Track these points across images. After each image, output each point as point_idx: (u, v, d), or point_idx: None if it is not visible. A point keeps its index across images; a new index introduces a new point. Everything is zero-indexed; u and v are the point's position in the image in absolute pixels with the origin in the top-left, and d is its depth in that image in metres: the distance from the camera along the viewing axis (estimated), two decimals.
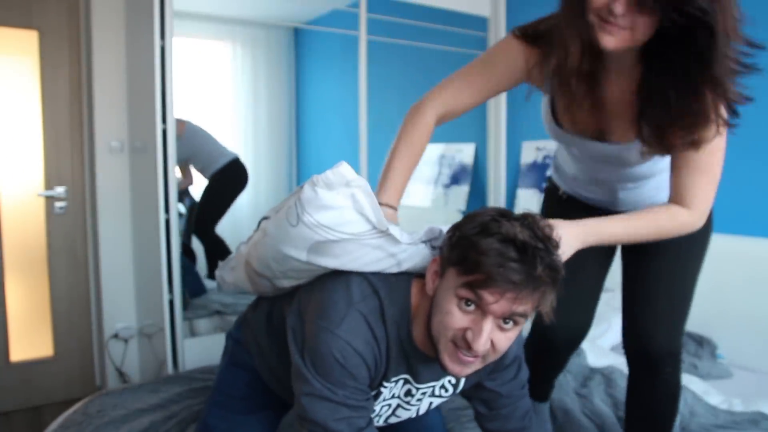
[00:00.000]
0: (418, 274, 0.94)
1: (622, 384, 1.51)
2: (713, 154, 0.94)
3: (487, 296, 0.77)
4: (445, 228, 0.93)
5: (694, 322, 1.86)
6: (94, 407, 1.38)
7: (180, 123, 2.51)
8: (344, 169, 0.87)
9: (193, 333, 2.46)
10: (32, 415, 2.34)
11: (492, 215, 0.81)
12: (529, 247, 0.77)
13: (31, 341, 2.42)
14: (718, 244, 1.85)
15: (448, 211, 2.84)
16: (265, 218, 1.05)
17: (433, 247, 0.94)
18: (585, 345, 1.71)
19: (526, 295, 0.77)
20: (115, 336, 2.42)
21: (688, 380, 1.54)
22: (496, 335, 0.81)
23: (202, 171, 2.94)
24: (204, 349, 2.16)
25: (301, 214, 0.87)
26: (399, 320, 0.89)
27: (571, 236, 0.92)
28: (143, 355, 2.44)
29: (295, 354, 0.89)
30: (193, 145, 2.80)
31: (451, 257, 0.82)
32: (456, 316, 0.80)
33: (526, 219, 0.81)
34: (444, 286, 0.83)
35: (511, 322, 0.80)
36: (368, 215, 0.87)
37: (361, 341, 0.85)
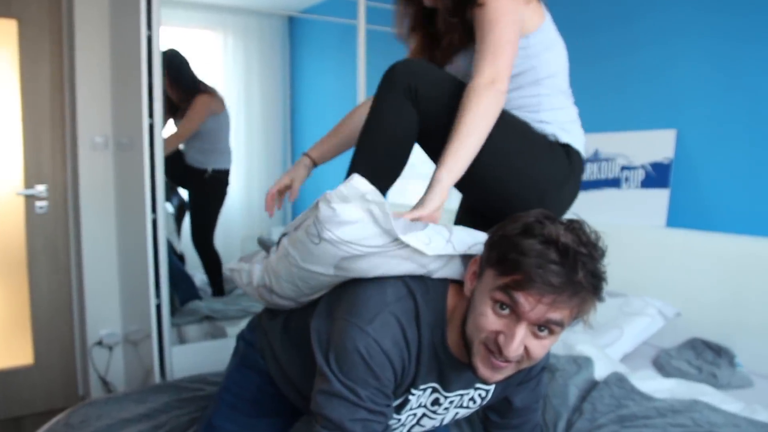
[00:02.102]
0: (453, 280, 0.97)
1: (629, 401, 1.51)
2: (489, 21, 1.10)
3: (523, 301, 0.79)
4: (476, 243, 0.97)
5: (710, 330, 1.88)
6: (77, 418, 1.39)
7: (220, 99, 2.77)
8: (357, 182, 0.90)
9: (181, 340, 2.47)
10: (12, 426, 2.36)
11: (537, 217, 0.83)
12: (571, 250, 0.79)
13: (10, 348, 2.43)
14: (734, 245, 1.86)
15: (452, 210, 2.85)
16: (284, 234, 1.07)
17: (464, 264, 0.97)
18: (593, 354, 1.72)
19: (564, 301, 0.79)
20: (99, 343, 2.43)
21: (701, 391, 1.55)
22: (531, 342, 0.82)
23: (200, 153, 2.85)
24: (193, 356, 2.17)
25: (322, 232, 0.90)
26: (434, 323, 0.92)
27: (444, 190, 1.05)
28: (129, 363, 2.44)
29: (319, 354, 0.91)
30: (218, 128, 2.82)
31: (491, 257, 0.85)
32: (490, 319, 0.83)
33: (572, 223, 0.83)
34: (481, 288, 0.85)
35: (546, 330, 0.82)
36: (389, 229, 0.91)
37: (390, 341, 0.87)
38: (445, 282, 0.96)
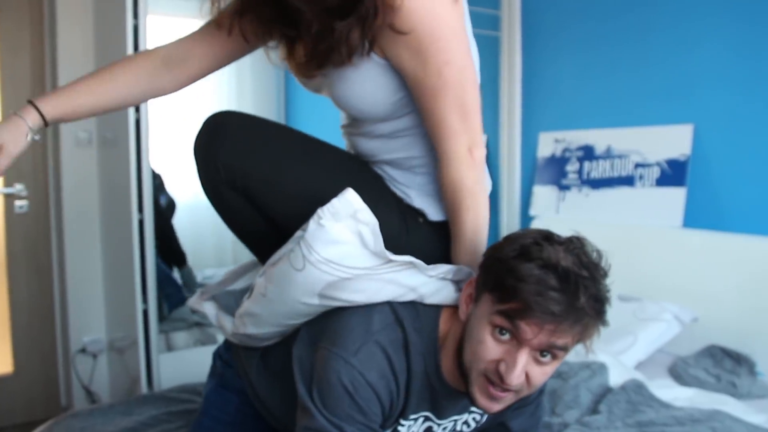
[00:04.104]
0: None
1: (647, 408, 1.51)
2: (440, 61, 0.91)
3: (524, 327, 0.79)
4: (474, 273, 0.95)
5: (729, 337, 1.87)
6: (60, 430, 1.38)
7: None
8: (351, 196, 0.89)
9: (169, 347, 2.46)
10: None
11: (534, 238, 0.82)
12: (572, 274, 0.78)
13: None
14: (755, 247, 1.86)
15: None
16: (260, 276, 1.04)
17: (460, 289, 0.96)
18: (607, 360, 1.72)
19: (567, 328, 0.78)
20: (83, 350, 2.42)
21: (722, 401, 1.55)
22: (532, 369, 0.82)
23: None
24: (182, 364, 2.17)
25: (308, 255, 0.89)
26: (425, 351, 0.91)
27: None
28: (114, 371, 2.44)
29: (301, 385, 0.90)
30: None
31: (487, 281, 0.84)
32: (489, 346, 0.82)
33: (571, 243, 0.82)
34: (478, 313, 0.85)
35: (549, 355, 0.82)
36: (378, 251, 0.90)
37: (376, 374, 0.86)
38: (437, 307, 0.95)
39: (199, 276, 3.03)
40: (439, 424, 0.98)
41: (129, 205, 2.02)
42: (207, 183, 1.02)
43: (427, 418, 0.96)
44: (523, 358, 0.80)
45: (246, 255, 1.22)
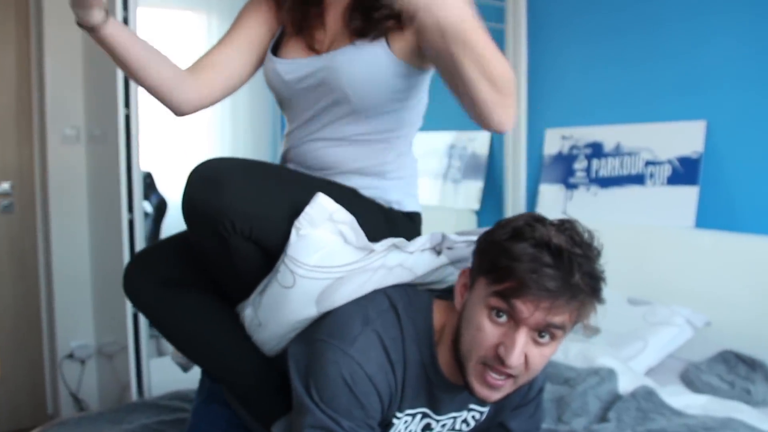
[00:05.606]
0: (438, 295, 1.00)
1: (657, 416, 1.51)
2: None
3: (521, 306, 0.81)
4: (450, 233, 1.00)
5: (743, 342, 1.87)
6: None
7: None
8: (323, 200, 0.92)
9: (160, 352, 2.47)
10: None
11: (526, 220, 0.86)
12: (565, 252, 0.81)
13: None
14: (766, 249, 1.86)
15: (458, 210, 2.84)
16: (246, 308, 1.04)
17: (437, 252, 1.01)
18: (616, 366, 1.72)
19: (562, 305, 0.81)
20: (70, 356, 2.42)
21: (736, 408, 1.55)
22: (531, 350, 0.84)
23: None
24: (173, 370, 2.15)
25: (295, 269, 0.91)
26: (419, 340, 0.93)
27: None
28: (103, 378, 2.44)
29: (297, 382, 0.91)
30: None
31: (482, 265, 0.87)
32: (487, 331, 0.84)
33: (563, 224, 0.86)
34: (473, 298, 0.87)
35: (547, 336, 0.84)
36: (362, 246, 0.94)
37: (375, 365, 0.88)
38: (428, 298, 0.98)
39: None
40: (437, 421, 0.99)
41: (118, 205, 2.02)
42: (214, 241, 0.94)
43: (425, 415, 0.98)
44: (522, 338, 0.82)
45: None
